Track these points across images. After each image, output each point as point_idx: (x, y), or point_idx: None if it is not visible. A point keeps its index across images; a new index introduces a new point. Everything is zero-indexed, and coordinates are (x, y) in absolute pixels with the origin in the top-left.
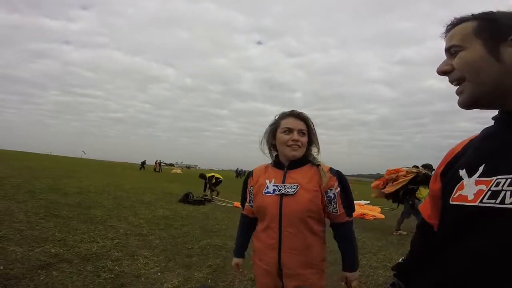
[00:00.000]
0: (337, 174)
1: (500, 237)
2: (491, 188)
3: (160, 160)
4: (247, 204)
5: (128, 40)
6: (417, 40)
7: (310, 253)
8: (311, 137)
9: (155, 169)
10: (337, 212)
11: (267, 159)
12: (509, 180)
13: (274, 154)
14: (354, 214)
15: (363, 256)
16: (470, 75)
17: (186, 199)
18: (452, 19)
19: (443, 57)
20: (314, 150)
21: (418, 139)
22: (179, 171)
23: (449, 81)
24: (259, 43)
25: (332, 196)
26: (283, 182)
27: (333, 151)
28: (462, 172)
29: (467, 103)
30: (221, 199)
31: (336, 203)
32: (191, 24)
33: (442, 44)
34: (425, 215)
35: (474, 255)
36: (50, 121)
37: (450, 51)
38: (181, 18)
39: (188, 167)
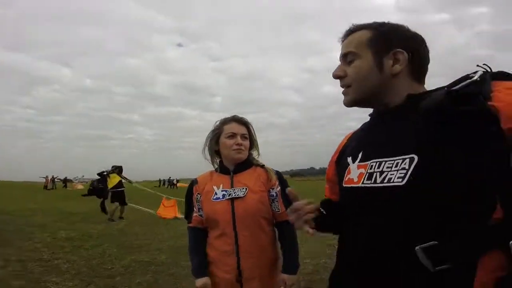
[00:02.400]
0: (277, 174)
1: (377, 209)
2: (368, 171)
3: (53, 176)
4: (195, 214)
5: (11, 35)
6: (321, 50)
7: (267, 253)
8: (252, 141)
9: (45, 187)
10: (279, 211)
11: (195, 166)
12: (377, 163)
13: (218, 160)
14: None
15: None
16: (356, 83)
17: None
18: (351, 25)
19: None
20: (255, 154)
21: (318, 138)
22: (81, 186)
23: (341, 85)
24: (180, 45)
25: (274, 195)
26: (232, 186)
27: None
28: (349, 159)
29: (348, 104)
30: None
31: (278, 201)
32: (102, 20)
33: (337, 55)
34: (326, 194)
35: (363, 227)
36: None
37: (346, 57)
38: (90, 13)
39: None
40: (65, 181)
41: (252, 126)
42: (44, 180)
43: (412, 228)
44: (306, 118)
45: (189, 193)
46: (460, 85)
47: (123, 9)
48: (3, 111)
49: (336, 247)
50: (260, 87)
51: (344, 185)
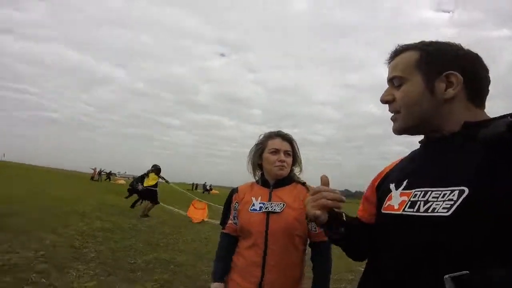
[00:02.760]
0: None
1: (415, 237)
2: (411, 199)
3: (102, 169)
4: (230, 221)
5: (79, 37)
6: (363, 66)
7: (292, 270)
8: (295, 158)
9: (92, 178)
10: (316, 231)
11: (227, 175)
12: (422, 192)
13: (259, 173)
14: None
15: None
16: (407, 110)
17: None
18: (396, 46)
19: (384, 83)
20: (296, 170)
21: (356, 159)
22: (122, 181)
23: (389, 110)
24: (223, 55)
25: None
26: (269, 200)
27: None
28: (392, 186)
29: (398, 132)
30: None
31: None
32: (154, 28)
33: (382, 72)
34: (359, 214)
35: (398, 255)
36: None
37: (393, 81)
38: (144, 21)
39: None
40: (109, 174)
41: (296, 143)
42: (92, 171)
43: (448, 259)
44: (343, 137)
45: (228, 200)
46: None
47: (173, 18)
48: (67, 106)
49: (361, 272)
50: (296, 101)
51: (383, 211)
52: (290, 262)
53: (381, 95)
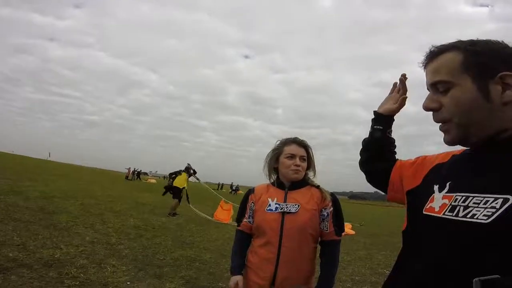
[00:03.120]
0: (332, 196)
1: (451, 241)
2: (452, 203)
3: (135, 168)
4: (245, 220)
5: (115, 42)
6: (394, 63)
7: (304, 266)
8: (309, 163)
9: (126, 177)
10: (327, 230)
11: (252, 175)
12: (463, 197)
13: (275, 176)
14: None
15: None
16: (460, 118)
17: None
18: (431, 47)
19: (418, 81)
20: (310, 174)
21: None
22: (153, 180)
23: (435, 119)
24: (247, 57)
25: (326, 214)
26: (285, 201)
27: None
28: (436, 187)
29: (453, 142)
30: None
31: (328, 221)
32: (182, 32)
33: (417, 68)
34: (399, 164)
35: (430, 257)
36: (18, 118)
37: (437, 86)
38: (172, 26)
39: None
40: (139, 174)
41: (311, 149)
42: (126, 171)
43: (480, 265)
44: None
45: (244, 200)
46: None
47: (199, 22)
48: (105, 108)
49: (384, 275)
50: (324, 101)
51: (424, 213)
52: (302, 259)
53: (423, 101)
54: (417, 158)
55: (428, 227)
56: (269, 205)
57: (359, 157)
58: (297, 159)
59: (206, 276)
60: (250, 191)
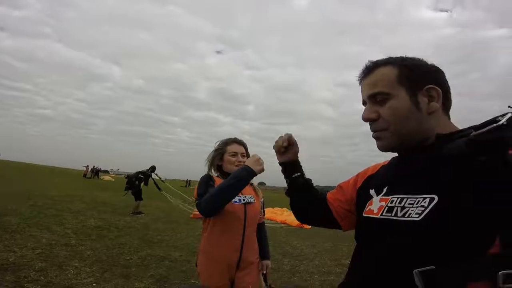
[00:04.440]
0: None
1: (391, 238)
2: (388, 205)
3: (94, 166)
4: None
5: (75, 34)
6: (360, 64)
7: (256, 246)
8: (247, 158)
9: (85, 175)
10: (261, 215)
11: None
12: (399, 199)
13: (217, 172)
14: (293, 223)
15: (301, 262)
16: (396, 126)
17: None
18: (367, 63)
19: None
20: None
21: (350, 156)
22: (108, 178)
23: (373, 129)
24: (219, 52)
25: (261, 204)
26: (242, 193)
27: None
28: (372, 191)
29: (386, 149)
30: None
31: (262, 208)
32: (152, 25)
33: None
34: (327, 195)
35: (376, 254)
36: None
37: (376, 97)
38: (141, 18)
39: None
40: (97, 172)
41: (247, 146)
42: (84, 169)
43: (419, 256)
44: (339, 134)
45: (207, 181)
46: (482, 130)
47: (171, 15)
48: (60, 102)
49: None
50: (294, 99)
51: (364, 215)
52: (255, 240)
53: (363, 113)
54: (351, 178)
55: (369, 228)
56: None
57: (298, 218)
58: (239, 156)
59: (177, 274)
60: (211, 177)
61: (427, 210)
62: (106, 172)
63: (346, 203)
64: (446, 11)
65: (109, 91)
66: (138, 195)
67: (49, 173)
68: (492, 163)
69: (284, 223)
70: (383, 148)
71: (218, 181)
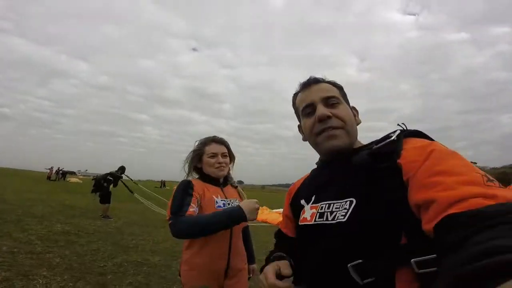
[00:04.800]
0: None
1: (326, 240)
2: (319, 211)
3: (59, 168)
4: (192, 208)
5: (37, 29)
6: (332, 64)
7: (243, 251)
8: (230, 157)
9: (49, 177)
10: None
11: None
12: (327, 205)
13: (197, 175)
14: (274, 221)
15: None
16: (349, 126)
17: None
18: (311, 77)
19: (348, 81)
20: (230, 165)
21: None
22: (75, 179)
23: (326, 126)
24: (194, 50)
25: None
26: (226, 197)
27: (258, 163)
28: (303, 201)
29: (341, 147)
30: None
31: None
32: (120, 20)
33: (350, 70)
34: (283, 230)
35: (315, 255)
36: None
37: (328, 101)
38: (109, 13)
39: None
40: (64, 173)
41: (228, 144)
42: (48, 171)
43: (350, 252)
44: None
45: (185, 189)
46: (380, 144)
47: (142, 11)
48: (20, 100)
49: None
50: (268, 98)
51: (300, 224)
52: (242, 246)
53: (317, 112)
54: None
55: (306, 233)
56: (217, 202)
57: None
58: (219, 156)
59: (157, 280)
60: (190, 183)
61: (349, 212)
62: (73, 173)
63: (289, 223)
64: (414, 14)
65: (75, 88)
66: (105, 198)
67: (6, 176)
68: (388, 170)
69: (265, 222)
70: (337, 147)
71: (198, 185)
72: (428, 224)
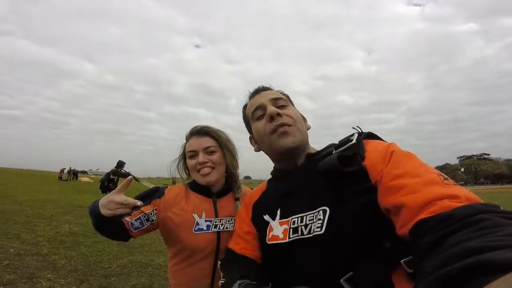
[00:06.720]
0: None
1: (307, 257)
2: (291, 226)
3: (71, 167)
4: (129, 219)
5: (41, 30)
6: (337, 58)
7: None
8: (223, 151)
9: (60, 178)
10: None
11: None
12: (299, 218)
13: (188, 181)
14: None
15: None
16: (299, 125)
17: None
18: (261, 86)
19: (353, 74)
20: (234, 166)
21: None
22: (86, 179)
23: (279, 123)
24: (198, 46)
25: None
26: (216, 215)
27: (266, 156)
28: (267, 217)
29: (295, 144)
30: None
31: None
32: (124, 19)
33: (355, 63)
34: (241, 252)
35: (296, 274)
36: None
37: (277, 102)
38: (112, 12)
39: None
40: (76, 173)
41: (219, 133)
42: (59, 171)
43: (337, 266)
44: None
45: (152, 194)
46: (342, 148)
47: (144, 9)
48: (29, 102)
49: None
50: None
51: (269, 242)
52: None
53: (268, 110)
54: (237, 216)
55: (278, 253)
56: (197, 223)
57: None
58: (200, 155)
59: (161, 281)
60: (160, 191)
61: (325, 222)
62: (85, 173)
63: (251, 242)
64: (419, 5)
65: (82, 89)
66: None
67: (18, 177)
68: (355, 173)
69: None
70: (292, 143)
71: (175, 195)
72: (402, 229)
